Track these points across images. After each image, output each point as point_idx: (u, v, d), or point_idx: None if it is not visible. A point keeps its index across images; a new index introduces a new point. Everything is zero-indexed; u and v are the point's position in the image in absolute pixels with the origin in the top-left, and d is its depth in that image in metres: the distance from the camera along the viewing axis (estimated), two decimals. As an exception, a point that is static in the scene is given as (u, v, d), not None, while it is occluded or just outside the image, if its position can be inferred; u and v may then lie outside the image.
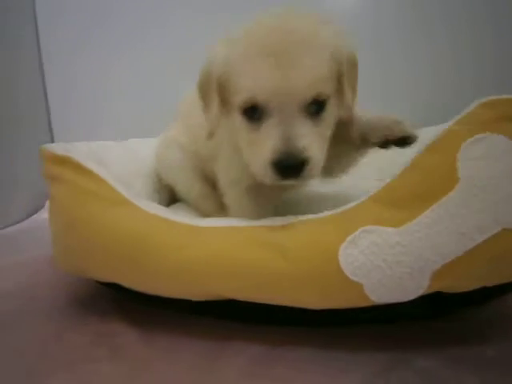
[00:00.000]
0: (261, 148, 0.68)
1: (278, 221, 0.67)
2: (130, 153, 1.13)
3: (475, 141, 0.57)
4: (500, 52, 1.58)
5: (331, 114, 0.72)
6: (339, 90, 0.72)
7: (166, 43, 1.73)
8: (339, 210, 0.64)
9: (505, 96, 0.60)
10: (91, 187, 0.75)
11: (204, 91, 0.76)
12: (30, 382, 0.64)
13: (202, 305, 0.70)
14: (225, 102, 0.74)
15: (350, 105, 0.73)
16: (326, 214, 0.65)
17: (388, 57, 1.62)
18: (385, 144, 0.71)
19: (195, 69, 0.78)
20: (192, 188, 1.08)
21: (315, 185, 1.00)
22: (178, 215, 0.73)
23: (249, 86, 0.68)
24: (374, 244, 0.57)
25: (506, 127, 0.58)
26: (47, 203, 1.60)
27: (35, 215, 1.60)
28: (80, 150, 0.87)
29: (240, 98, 0.69)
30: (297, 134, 0.66)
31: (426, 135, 1.16)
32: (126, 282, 0.74)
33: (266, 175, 0.68)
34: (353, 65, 0.73)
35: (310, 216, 0.66)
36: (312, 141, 0.67)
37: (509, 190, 0.55)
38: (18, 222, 1.53)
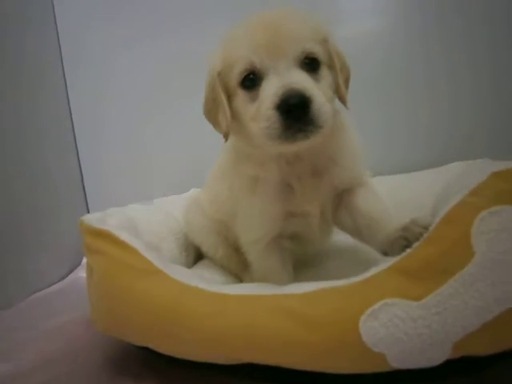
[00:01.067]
0: (263, 105, 0.71)
1: (301, 288, 0.70)
2: (160, 214, 1.20)
3: (490, 214, 0.59)
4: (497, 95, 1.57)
5: (327, 76, 0.78)
6: (332, 68, 0.79)
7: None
8: (360, 278, 0.66)
9: (515, 165, 0.63)
10: (126, 259, 0.80)
11: (211, 98, 0.83)
12: None
13: (231, 366, 0.73)
14: (229, 94, 0.80)
15: (343, 93, 0.81)
16: (347, 282, 0.67)
17: (389, 98, 1.64)
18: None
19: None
20: (217, 250, 1.14)
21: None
22: (206, 282, 0.77)
23: (244, 53, 0.75)
24: (396, 317, 0.59)
25: (518, 198, 0.60)
26: (83, 261, 1.72)
27: (72, 274, 1.69)
28: (114, 219, 0.94)
29: (238, 70, 0.76)
30: (296, 79, 0.71)
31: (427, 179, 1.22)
32: (159, 347, 0.78)
33: (273, 127, 0.69)
34: (343, 63, 0.81)
35: (332, 284, 0.68)
36: (313, 87, 0.71)
37: (524, 263, 0.57)
38: (55, 282, 1.61)
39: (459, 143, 1.56)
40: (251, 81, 0.76)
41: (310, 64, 0.75)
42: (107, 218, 0.94)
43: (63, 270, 1.69)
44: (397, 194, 1.33)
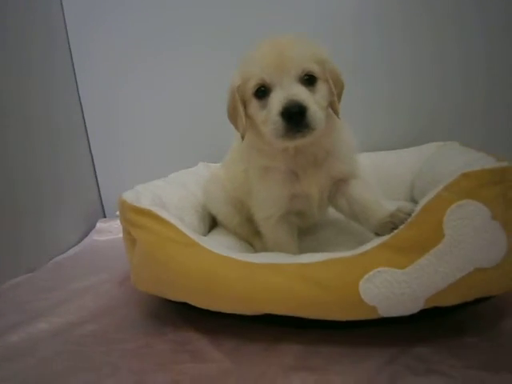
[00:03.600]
0: (271, 112, 0.93)
1: (314, 258, 0.90)
2: (179, 189, 1.37)
3: (457, 206, 0.79)
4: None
5: (323, 89, 0.98)
6: (328, 84, 0.98)
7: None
8: (359, 250, 0.87)
9: (479, 168, 0.83)
10: (167, 233, 0.98)
11: (232, 106, 1.03)
12: (137, 380, 0.87)
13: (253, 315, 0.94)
14: (245, 102, 1.00)
15: (336, 106, 1.01)
16: (349, 254, 0.87)
17: (372, 74, 1.78)
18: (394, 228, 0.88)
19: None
20: (233, 219, 1.34)
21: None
22: (234, 252, 0.96)
23: (257, 71, 0.95)
24: (386, 281, 0.81)
25: (480, 194, 0.80)
26: (98, 225, 1.88)
27: (86, 238, 1.85)
28: (146, 197, 1.10)
29: (252, 83, 0.96)
30: (296, 93, 0.92)
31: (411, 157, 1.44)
32: (195, 302, 0.97)
33: (277, 129, 0.91)
34: (338, 79, 1.01)
35: (338, 255, 0.88)
36: (309, 99, 0.92)
37: (479, 242, 0.79)
38: (72, 246, 1.78)
39: (442, 123, 1.75)
40: (262, 92, 0.96)
41: (309, 79, 0.95)
42: (140, 197, 1.10)
43: (78, 234, 1.84)
44: (381, 170, 1.55)
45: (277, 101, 0.91)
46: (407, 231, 0.84)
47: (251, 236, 1.31)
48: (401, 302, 0.82)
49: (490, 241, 0.79)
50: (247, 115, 1.02)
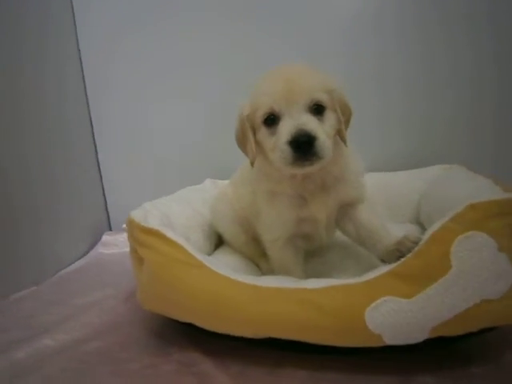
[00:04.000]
0: (279, 140, 0.94)
1: (319, 284, 0.90)
2: (186, 207, 1.38)
3: (465, 237, 0.80)
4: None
5: (331, 118, 0.99)
6: (336, 113, 0.99)
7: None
8: (366, 278, 0.87)
9: (486, 199, 0.83)
10: (175, 254, 0.99)
11: (241, 133, 1.05)
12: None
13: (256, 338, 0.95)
14: (254, 129, 1.02)
15: (344, 134, 1.01)
16: (356, 281, 0.87)
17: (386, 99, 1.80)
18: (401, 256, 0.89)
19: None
20: (238, 238, 1.35)
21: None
22: (241, 274, 0.97)
23: (266, 100, 0.96)
24: (392, 310, 0.81)
25: (487, 226, 0.80)
26: (103, 238, 1.89)
27: (92, 250, 1.87)
28: (154, 216, 1.11)
29: (261, 113, 0.98)
30: (305, 122, 0.93)
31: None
32: (201, 324, 0.98)
33: (286, 157, 0.92)
34: (346, 107, 1.02)
35: (344, 281, 0.89)
36: (318, 128, 0.93)
37: (486, 274, 0.79)
38: (78, 258, 1.79)
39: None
40: (271, 120, 0.97)
41: (317, 109, 0.97)
42: (148, 216, 1.11)
43: (84, 246, 1.85)
44: (389, 191, 1.57)
45: (285, 129, 0.93)
46: (414, 260, 0.84)
47: (257, 256, 1.31)
48: (406, 331, 0.82)
49: (496, 273, 0.79)
50: (256, 141, 1.03)
